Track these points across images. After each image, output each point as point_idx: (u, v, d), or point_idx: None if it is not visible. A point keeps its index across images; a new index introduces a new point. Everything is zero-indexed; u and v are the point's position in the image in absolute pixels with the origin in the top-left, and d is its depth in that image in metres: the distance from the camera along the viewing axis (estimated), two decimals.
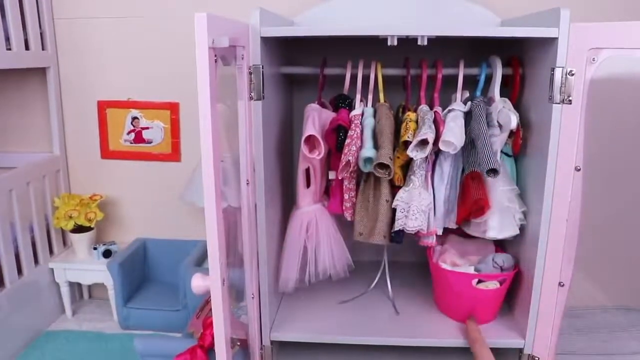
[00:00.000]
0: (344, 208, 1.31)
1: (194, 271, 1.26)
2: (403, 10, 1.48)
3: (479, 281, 1.28)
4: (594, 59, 1.07)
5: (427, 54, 1.27)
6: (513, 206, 1.24)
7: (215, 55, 0.85)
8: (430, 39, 1.13)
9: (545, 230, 1.15)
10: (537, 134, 1.20)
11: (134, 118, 1.84)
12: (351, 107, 1.31)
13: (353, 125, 1.23)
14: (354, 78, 1.28)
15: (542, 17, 1.13)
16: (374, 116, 1.26)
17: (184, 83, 1.72)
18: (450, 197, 1.28)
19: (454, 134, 1.16)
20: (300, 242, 1.33)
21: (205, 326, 1.31)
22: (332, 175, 1.33)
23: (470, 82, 1.30)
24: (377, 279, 1.51)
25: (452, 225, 1.30)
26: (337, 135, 1.25)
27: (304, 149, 1.22)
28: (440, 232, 1.30)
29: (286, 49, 1.40)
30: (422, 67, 1.30)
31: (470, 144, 1.19)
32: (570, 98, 1.08)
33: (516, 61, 1.31)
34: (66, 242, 1.95)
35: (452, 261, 1.36)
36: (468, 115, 1.23)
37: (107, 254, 1.83)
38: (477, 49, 1.35)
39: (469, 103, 1.25)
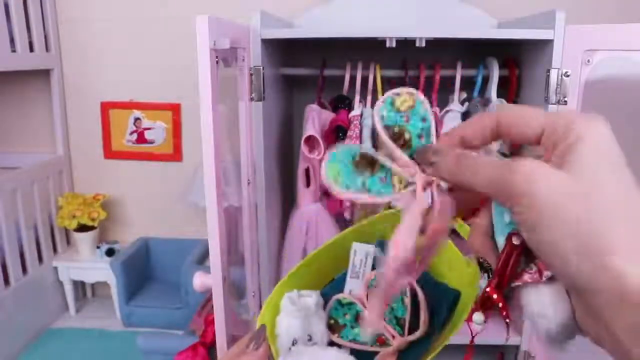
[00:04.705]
0: (343, 207, 1.32)
1: (195, 269, 1.28)
2: (402, 13, 1.50)
3: None
4: (588, 61, 1.08)
5: (425, 56, 1.28)
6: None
7: (217, 57, 0.87)
8: (428, 41, 1.14)
9: None
10: None
11: (137, 119, 1.86)
12: (350, 108, 1.32)
13: (352, 125, 1.25)
14: (353, 79, 1.30)
15: (537, 19, 1.15)
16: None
17: (185, 84, 1.74)
18: None
19: None
20: (301, 240, 1.35)
21: (206, 324, 1.33)
22: None
23: (468, 83, 1.31)
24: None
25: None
26: (337, 135, 1.26)
27: (304, 149, 1.24)
28: None
29: (286, 51, 1.42)
30: (420, 68, 1.31)
31: None
32: (565, 99, 1.09)
33: (512, 63, 1.32)
34: (70, 241, 1.97)
35: None
36: (465, 116, 1.25)
37: (110, 252, 1.85)
38: (475, 51, 1.36)
39: (466, 104, 1.27)
